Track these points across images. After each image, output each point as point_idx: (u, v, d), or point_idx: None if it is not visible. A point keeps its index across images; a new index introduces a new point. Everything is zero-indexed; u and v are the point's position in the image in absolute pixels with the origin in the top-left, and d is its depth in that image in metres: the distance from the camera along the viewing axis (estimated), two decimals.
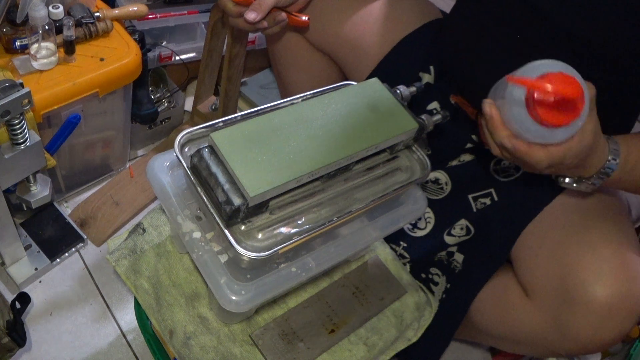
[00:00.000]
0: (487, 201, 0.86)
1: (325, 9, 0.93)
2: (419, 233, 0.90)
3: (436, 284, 0.89)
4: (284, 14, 0.84)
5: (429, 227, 0.90)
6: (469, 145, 0.88)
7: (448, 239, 0.88)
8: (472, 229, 0.87)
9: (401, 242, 0.90)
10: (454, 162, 0.90)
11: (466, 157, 0.89)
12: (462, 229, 0.87)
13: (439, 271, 0.89)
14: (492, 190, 0.86)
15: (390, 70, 0.92)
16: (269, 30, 0.87)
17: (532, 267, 0.80)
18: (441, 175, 0.90)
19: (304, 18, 0.87)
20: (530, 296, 0.79)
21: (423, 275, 0.89)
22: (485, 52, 0.80)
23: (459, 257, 0.87)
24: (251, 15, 0.81)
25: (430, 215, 0.90)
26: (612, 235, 0.76)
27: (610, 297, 0.71)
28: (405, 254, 0.90)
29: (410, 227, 0.90)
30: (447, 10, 0.94)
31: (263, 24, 0.84)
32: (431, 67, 0.91)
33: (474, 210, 0.87)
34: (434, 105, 0.89)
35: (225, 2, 0.84)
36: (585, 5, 0.69)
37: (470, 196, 0.88)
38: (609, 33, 0.70)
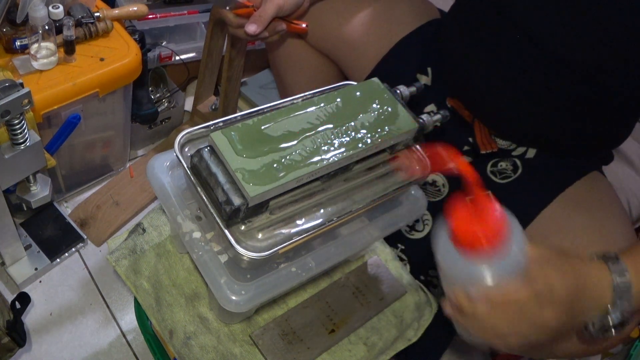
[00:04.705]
0: None
1: (324, 11, 0.93)
2: (417, 235, 0.90)
3: (435, 286, 0.88)
4: (283, 24, 0.85)
5: (427, 229, 0.90)
6: (465, 147, 0.88)
7: None
8: None
9: (399, 245, 0.90)
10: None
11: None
12: None
13: (437, 274, 0.89)
14: (489, 193, 0.86)
15: (388, 71, 0.92)
16: (269, 39, 0.87)
17: None
18: (438, 178, 0.90)
19: (303, 25, 0.87)
20: None
21: (422, 278, 0.89)
22: (480, 57, 0.80)
23: None
24: (252, 28, 0.81)
25: (428, 217, 0.89)
26: (612, 238, 0.76)
27: None
28: (404, 256, 0.90)
29: (408, 229, 0.90)
30: (446, 9, 0.93)
31: (263, 34, 0.85)
32: (429, 69, 0.91)
33: None
34: (430, 107, 0.90)
35: (226, 13, 0.84)
36: (566, 25, 0.70)
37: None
38: (588, 50, 0.71)
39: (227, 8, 0.83)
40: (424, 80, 0.91)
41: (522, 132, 0.84)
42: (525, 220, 0.82)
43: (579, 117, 0.79)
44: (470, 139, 0.87)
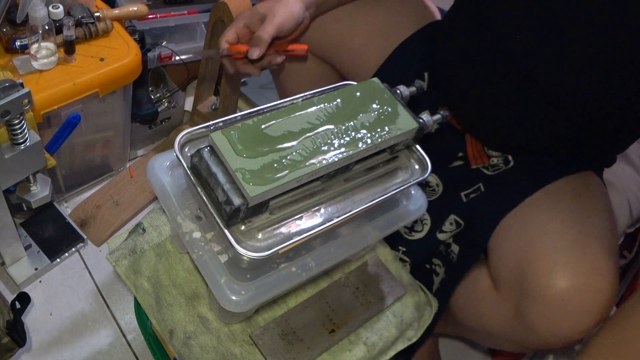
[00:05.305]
0: (476, 194, 0.87)
1: (325, 19, 0.92)
2: (416, 236, 0.90)
3: (437, 274, 0.89)
4: (278, 58, 0.84)
5: (426, 229, 0.90)
6: (460, 154, 0.88)
7: (441, 236, 0.88)
8: (462, 222, 0.87)
9: (400, 247, 0.90)
10: (445, 168, 0.90)
11: (456, 163, 0.90)
12: (451, 224, 0.87)
13: (440, 262, 0.89)
14: (480, 184, 0.87)
15: (389, 76, 0.92)
16: (266, 66, 0.87)
17: (498, 258, 0.80)
18: (432, 178, 0.90)
19: (302, 50, 0.86)
20: (497, 288, 0.79)
21: (427, 266, 0.90)
22: (473, 78, 0.80)
23: (455, 248, 0.88)
24: (255, 52, 0.79)
25: (426, 217, 0.90)
26: (576, 227, 0.74)
27: (565, 289, 0.69)
28: (406, 258, 0.90)
29: (407, 230, 0.91)
30: (446, 7, 0.93)
31: (256, 72, 0.86)
32: (425, 74, 0.91)
33: (464, 202, 0.87)
34: (424, 115, 0.90)
35: (228, 63, 0.85)
36: (560, 65, 0.70)
37: (462, 194, 0.88)
38: (573, 82, 0.70)
39: (220, 50, 0.83)
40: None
41: (512, 148, 0.85)
42: (507, 206, 0.81)
43: (572, 141, 0.80)
44: (463, 148, 0.88)
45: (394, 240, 0.89)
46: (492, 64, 0.76)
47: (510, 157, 0.86)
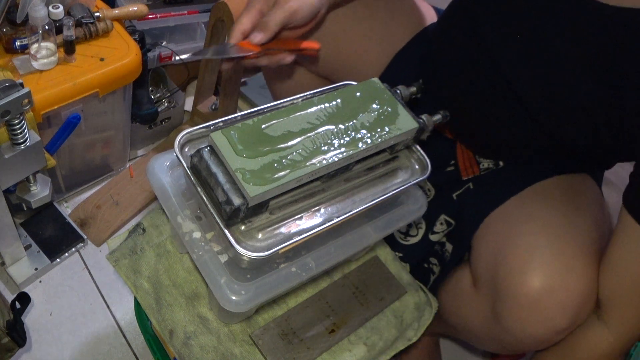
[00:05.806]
0: (465, 192, 0.87)
1: (321, 33, 0.91)
2: (412, 240, 0.90)
3: (434, 273, 0.89)
4: (288, 58, 0.77)
5: (421, 233, 0.90)
6: (452, 161, 0.89)
7: (433, 237, 0.88)
8: (453, 222, 0.87)
9: (397, 253, 0.90)
10: (438, 173, 0.91)
11: (448, 168, 0.90)
12: (442, 223, 0.87)
13: (436, 261, 0.89)
14: (470, 184, 0.86)
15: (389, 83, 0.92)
16: (268, 65, 0.81)
17: (478, 255, 0.79)
18: (424, 182, 0.91)
19: (314, 49, 0.79)
20: (476, 286, 0.79)
21: (425, 265, 0.90)
22: (464, 75, 0.80)
23: (449, 247, 0.88)
24: (257, 37, 0.72)
25: (420, 221, 0.90)
26: (557, 227, 0.72)
27: (539, 288, 0.67)
28: (404, 263, 0.90)
29: (402, 235, 0.91)
30: (443, 6, 0.92)
31: (262, 61, 0.77)
32: (420, 80, 0.91)
33: (455, 200, 0.87)
34: (424, 115, 0.90)
35: (226, 64, 0.80)
36: (535, 80, 0.69)
37: (454, 195, 0.88)
38: (556, 108, 0.69)
39: (230, 47, 0.76)
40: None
41: (503, 156, 0.85)
42: (492, 203, 0.80)
43: (563, 158, 0.79)
44: (455, 157, 0.88)
45: (390, 246, 0.89)
46: (482, 73, 0.76)
47: (501, 162, 0.86)
